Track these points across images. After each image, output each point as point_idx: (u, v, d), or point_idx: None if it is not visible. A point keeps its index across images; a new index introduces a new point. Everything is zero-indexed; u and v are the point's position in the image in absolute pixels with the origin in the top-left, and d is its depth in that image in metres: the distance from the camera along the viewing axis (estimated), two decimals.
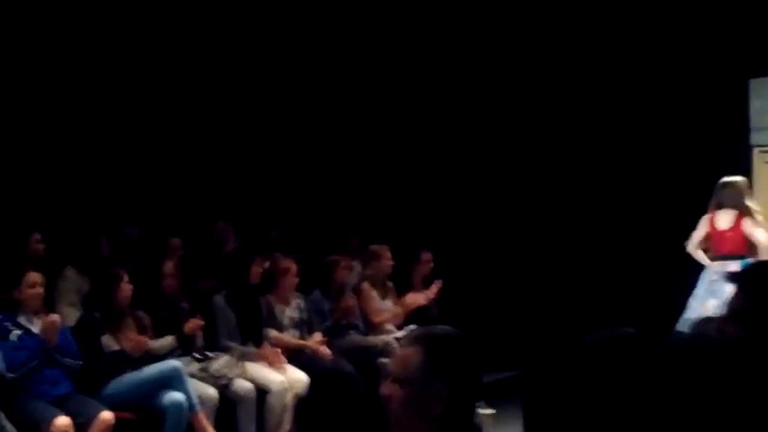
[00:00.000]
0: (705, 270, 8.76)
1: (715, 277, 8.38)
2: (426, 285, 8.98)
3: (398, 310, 8.76)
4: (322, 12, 10.99)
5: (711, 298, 8.39)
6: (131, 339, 6.73)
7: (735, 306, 3.39)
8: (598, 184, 10.38)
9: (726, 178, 8.88)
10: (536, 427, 2.77)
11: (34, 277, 6.48)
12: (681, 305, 8.65)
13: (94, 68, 10.16)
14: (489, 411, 8.35)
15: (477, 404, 3.53)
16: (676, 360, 2.15)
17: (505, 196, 10.78)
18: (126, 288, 6.83)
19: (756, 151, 10.02)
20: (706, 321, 3.53)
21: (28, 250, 7.58)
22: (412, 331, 2.79)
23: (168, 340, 7.13)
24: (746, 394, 2.07)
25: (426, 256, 9.07)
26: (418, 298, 8.78)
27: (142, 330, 6.95)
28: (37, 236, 7.71)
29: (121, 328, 6.82)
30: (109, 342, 6.72)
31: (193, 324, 7.22)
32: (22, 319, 6.41)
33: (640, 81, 10.19)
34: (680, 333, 2.18)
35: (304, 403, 7.15)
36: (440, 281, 8.89)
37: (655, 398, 2.12)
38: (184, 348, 7.21)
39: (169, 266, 7.36)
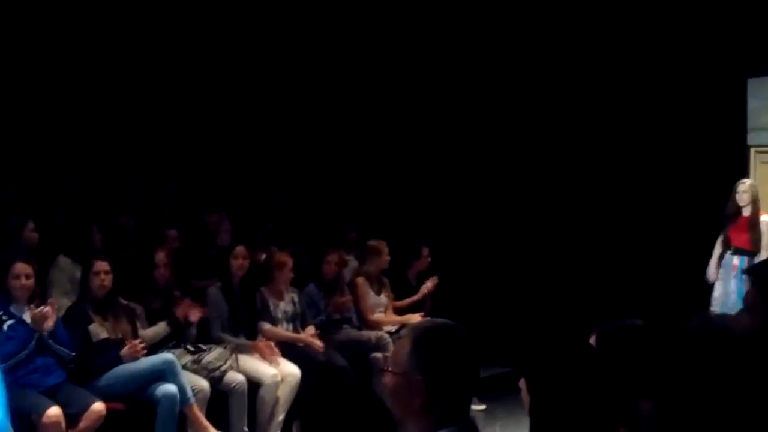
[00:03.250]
0: None
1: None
2: (421, 280, 8.97)
3: (394, 317, 8.70)
4: (323, 8, 10.96)
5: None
6: (128, 344, 6.68)
7: (748, 300, 3.46)
8: (595, 183, 10.38)
9: None
10: (542, 423, 2.75)
11: (21, 267, 6.43)
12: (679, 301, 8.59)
13: (96, 58, 10.15)
14: (479, 407, 8.35)
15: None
16: (686, 351, 2.15)
17: (502, 191, 10.78)
18: (95, 278, 6.74)
19: (753, 151, 10.03)
20: (720, 314, 3.60)
21: (22, 239, 7.55)
22: (408, 324, 2.79)
23: (161, 327, 7.11)
24: (757, 386, 2.06)
25: (425, 251, 9.07)
26: (414, 317, 8.62)
27: (132, 320, 6.93)
28: (31, 225, 7.67)
29: (110, 317, 6.78)
30: (97, 330, 6.68)
31: (190, 309, 7.18)
32: (14, 309, 6.38)
33: (639, 81, 10.19)
34: (690, 325, 2.18)
35: (297, 398, 7.22)
36: (436, 277, 8.88)
37: (663, 388, 2.12)
38: (176, 335, 7.18)
39: (160, 256, 7.31)
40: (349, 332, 8.31)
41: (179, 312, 7.16)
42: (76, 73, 10.07)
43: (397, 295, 8.90)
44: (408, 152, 11.13)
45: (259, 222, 9.88)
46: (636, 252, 10.07)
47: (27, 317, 6.36)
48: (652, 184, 10.16)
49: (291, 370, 7.36)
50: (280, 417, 7.24)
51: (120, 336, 6.78)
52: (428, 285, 8.86)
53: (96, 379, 6.55)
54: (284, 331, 7.83)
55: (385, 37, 11.02)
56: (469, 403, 2.69)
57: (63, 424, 6.05)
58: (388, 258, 8.79)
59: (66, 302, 7.19)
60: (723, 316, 3.54)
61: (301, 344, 7.74)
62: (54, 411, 6.02)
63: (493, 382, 8.65)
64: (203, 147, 10.87)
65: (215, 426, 6.82)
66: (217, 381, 7.04)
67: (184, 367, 6.92)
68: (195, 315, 7.23)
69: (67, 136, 9.99)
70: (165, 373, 6.62)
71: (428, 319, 2.91)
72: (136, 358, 6.67)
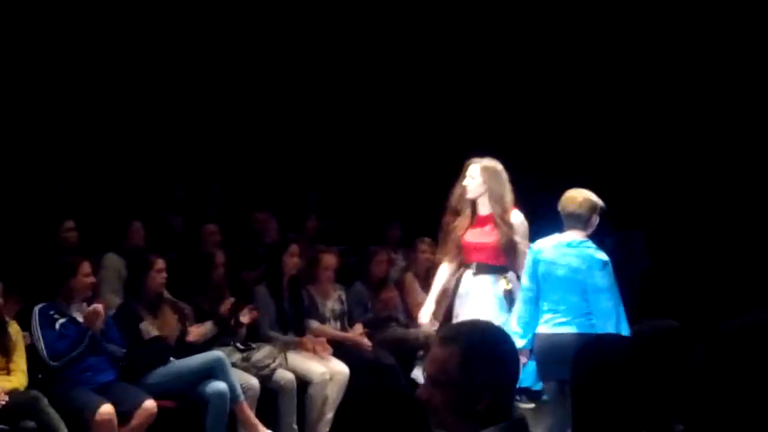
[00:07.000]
0: None
1: None
2: None
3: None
4: (364, 4, 10.96)
5: None
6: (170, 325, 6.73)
7: None
8: (649, 183, 10.23)
9: None
10: (585, 420, 2.72)
11: (88, 266, 6.52)
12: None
13: (141, 62, 10.20)
14: (529, 405, 8.28)
15: (518, 397, 3.45)
16: (738, 345, 2.11)
17: (549, 187, 10.68)
18: (157, 276, 6.80)
19: None
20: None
21: (59, 238, 7.55)
22: (442, 329, 2.73)
23: (208, 327, 7.13)
24: None
25: None
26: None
27: (181, 318, 6.96)
28: (70, 224, 7.66)
29: (159, 315, 6.81)
30: (148, 329, 6.72)
31: (241, 311, 7.19)
32: (68, 308, 6.42)
33: (713, 78, 10.00)
34: (738, 319, 2.12)
35: (345, 395, 7.21)
36: None
37: (716, 383, 2.08)
38: (224, 332, 7.20)
39: (220, 256, 7.34)
40: (396, 330, 8.28)
41: (223, 308, 7.17)
42: (119, 75, 10.14)
43: None
44: (454, 150, 11.07)
45: (304, 220, 9.88)
46: (693, 253, 9.90)
47: (79, 315, 6.41)
48: (711, 186, 10.00)
49: (340, 368, 7.35)
50: (329, 415, 7.23)
51: (168, 334, 6.81)
52: None
53: (147, 377, 6.58)
54: (332, 329, 7.82)
55: (432, 31, 10.98)
56: (511, 400, 2.65)
57: (115, 422, 6.08)
58: (433, 256, 8.75)
59: (116, 300, 7.24)
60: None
61: (349, 343, 7.74)
62: (106, 408, 6.06)
63: None
64: (246, 148, 10.90)
65: (265, 424, 6.84)
66: (266, 379, 7.05)
67: (234, 365, 6.93)
68: (245, 317, 7.23)
69: (113, 139, 10.06)
70: (215, 371, 6.64)
71: (462, 324, 2.86)
72: (184, 347, 6.71)
